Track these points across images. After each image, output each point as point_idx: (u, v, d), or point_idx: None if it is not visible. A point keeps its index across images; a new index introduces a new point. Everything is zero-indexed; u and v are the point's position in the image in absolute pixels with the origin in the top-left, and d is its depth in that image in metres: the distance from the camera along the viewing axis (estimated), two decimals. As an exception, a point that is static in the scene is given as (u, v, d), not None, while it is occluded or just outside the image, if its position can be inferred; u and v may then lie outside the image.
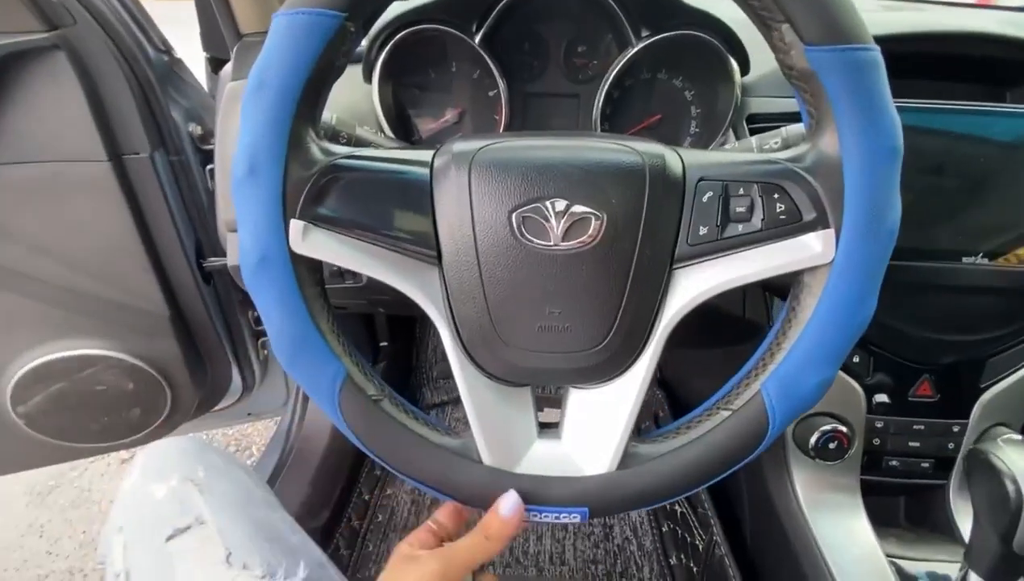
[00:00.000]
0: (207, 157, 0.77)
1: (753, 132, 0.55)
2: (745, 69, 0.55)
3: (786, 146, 0.39)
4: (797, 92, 0.34)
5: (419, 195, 0.35)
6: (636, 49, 0.54)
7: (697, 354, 0.86)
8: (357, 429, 0.36)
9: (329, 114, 0.41)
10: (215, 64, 0.74)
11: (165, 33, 0.74)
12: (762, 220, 0.34)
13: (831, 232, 0.33)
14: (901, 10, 0.72)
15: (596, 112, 0.57)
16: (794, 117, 0.40)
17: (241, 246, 0.33)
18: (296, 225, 0.33)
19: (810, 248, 0.33)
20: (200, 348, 0.84)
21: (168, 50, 0.73)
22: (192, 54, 0.79)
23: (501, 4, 0.53)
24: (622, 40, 0.55)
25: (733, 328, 0.64)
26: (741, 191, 0.34)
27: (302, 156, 0.33)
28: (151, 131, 0.68)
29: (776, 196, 0.34)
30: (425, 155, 0.36)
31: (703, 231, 0.34)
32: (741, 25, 0.50)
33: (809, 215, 0.33)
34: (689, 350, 0.86)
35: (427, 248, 0.35)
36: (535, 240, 0.34)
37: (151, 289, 0.74)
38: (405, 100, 0.60)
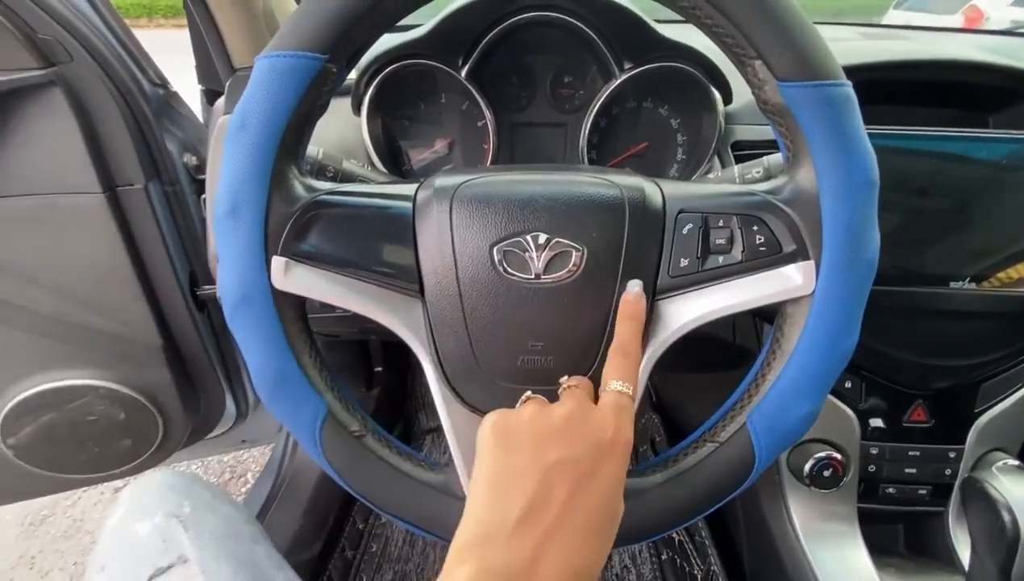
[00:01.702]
0: (202, 187, 0.77)
1: (738, 159, 0.56)
2: (728, 98, 0.56)
3: (768, 176, 0.40)
4: (773, 125, 0.34)
5: (402, 229, 0.35)
6: (619, 81, 0.55)
7: (690, 379, 0.86)
8: (338, 466, 0.35)
9: (315, 148, 0.41)
10: (210, 96, 0.76)
11: (170, 62, 0.75)
12: (742, 252, 0.34)
13: (811, 263, 0.33)
14: (880, 38, 0.73)
15: (583, 141, 0.58)
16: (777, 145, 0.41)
17: (221, 283, 0.34)
18: (278, 262, 0.33)
19: (791, 279, 0.33)
20: (193, 376, 0.83)
21: (164, 84, 0.74)
22: (194, 82, 0.80)
23: (486, 39, 0.54)
24: (606, 72, 0.56)
25: (725, 354, 0.64)
26: (721, 223, 0.34)
27: (284, 193, 0.34)
28: (146, 162, 0.69)
29: (755, 228, 0.34)
30: (408, 189, 0.37)
31: (684, 263, 0.34)
32: (722, 56, 0.51)
33: (789, 247, 0.33)
34: (683, 375, 0.86)
35: (410, 282, 0.35)
36: (516, 273, 0.34)
37: (143, 318, 0.74)
38: (395, 131, 0.61)
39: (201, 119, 0.82)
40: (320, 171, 0.42)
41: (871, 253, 0.32)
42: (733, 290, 0.34)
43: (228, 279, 0.33)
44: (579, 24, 0.54)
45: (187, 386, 0.82)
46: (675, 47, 0.53)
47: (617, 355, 0.33)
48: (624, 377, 0.32)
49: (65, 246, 0.69)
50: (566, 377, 0.34)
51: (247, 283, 0.33)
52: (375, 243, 0.35)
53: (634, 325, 0.33)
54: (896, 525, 0.67)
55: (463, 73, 0.55)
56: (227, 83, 0.65)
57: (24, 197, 0.65)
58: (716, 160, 0.57)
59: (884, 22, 4.56)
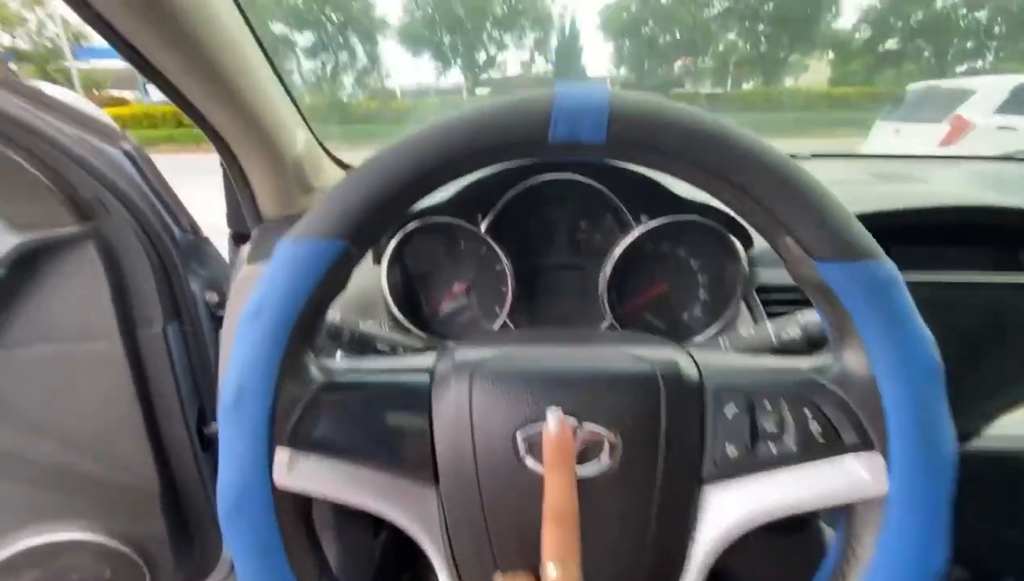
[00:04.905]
0: (220, 322, 0.77)
1: (764, 302, 0.54)
2: (748, 243, 0.55)
3: (806, 335, 0.38)
4: (810, 296, 0.33)
5: (418, 409, 0.33)
6: (636, 233, 0.55)
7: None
8: None
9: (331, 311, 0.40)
10: (238, 238, 0.78)
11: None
12: (796, 442, 0.30)
13: (878, 457, 0.29)
14: (893, 181, 0.74)
15: (602, 285, 0.57)
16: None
17: (220, 480, 0.31)
18: (282, 454, 0.31)
19: (857, 475, 0.29)
20: (189, 522, 0.78)
21: (195, 230, 0.77)
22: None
23: (504, 198, 0.56)
24: (622, 223, 0.57)
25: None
26: (768, 406, 0.31)
27: (297, 377, 0.32)
28: (167, 306, 0.69)
29: (807, 411, 0.31)
30: (426, 361, 0.35)
31: (733, 453, 0.31)
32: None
33: (848, 435, 0.30)
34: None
35: (424, 468, 0.32)
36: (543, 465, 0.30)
37: (145, 464, 0.71)
38: (414, 278, 0.61)
39: (227, 259, 0.84)
40: (335, 335, 0.41)
41: (947, 450, 0.28)
42: (791, 484, 0.30)
43: (228, 475, 0.30)
44: (594, 183, 0.55)
45: (181, 535, 0.76)
46: (690, 203, 0.54)
47: (551, 524, 0.28)
48: (563, 554, 0.27)
49: (77, 392, 0.67)
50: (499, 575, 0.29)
51: (247, 480, 0.30)
52: (388, 425, 0.32)
53: (564, 474, 0.28)
54: None
55: (483, 228, 0.56)
56: (254, 232, 0.67)
57: (44, 344, 0.65)
58: (742, 305, 0.55)
59: (872, 133, 4.82)
